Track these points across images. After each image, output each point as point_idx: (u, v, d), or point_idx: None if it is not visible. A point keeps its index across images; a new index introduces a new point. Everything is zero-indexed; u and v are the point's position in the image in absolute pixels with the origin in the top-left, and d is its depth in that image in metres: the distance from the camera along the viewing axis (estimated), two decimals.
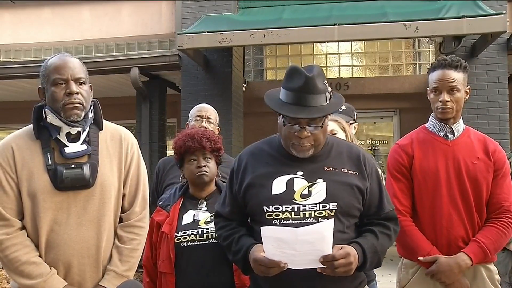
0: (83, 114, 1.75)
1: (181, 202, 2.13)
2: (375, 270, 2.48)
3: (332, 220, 1.51)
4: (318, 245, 1.48)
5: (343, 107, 3.13)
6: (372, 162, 1.77)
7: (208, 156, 2.11)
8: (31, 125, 1.78)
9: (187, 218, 2.07)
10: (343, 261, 1.49)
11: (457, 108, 2.04)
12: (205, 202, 2.10)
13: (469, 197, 2.00)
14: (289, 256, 1.49)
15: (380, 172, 2.58)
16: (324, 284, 1.59)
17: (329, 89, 1.66)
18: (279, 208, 1.61)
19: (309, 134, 1.60)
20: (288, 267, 1.51)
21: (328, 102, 1.62)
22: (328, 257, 1.48)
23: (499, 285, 2.05)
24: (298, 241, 1.46)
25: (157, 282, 2.09)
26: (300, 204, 1.60)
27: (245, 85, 7.12)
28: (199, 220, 2.04)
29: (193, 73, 6.22)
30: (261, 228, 1.51)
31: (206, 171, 2.08)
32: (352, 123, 3.13)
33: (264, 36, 5.21)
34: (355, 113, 3.19)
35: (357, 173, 1.68)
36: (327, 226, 1.48)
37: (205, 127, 2.75)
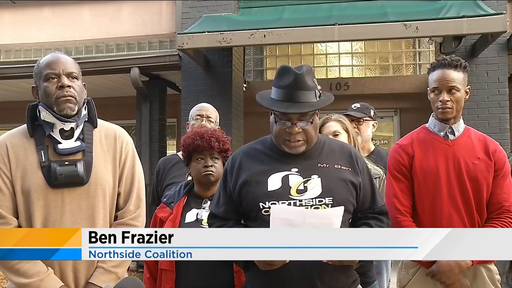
0: (76, 108, 1.75)
1: (185, 200, 2.14)
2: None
3: (342, 207, 1.55)
4: None
5: (358, 105, 3.15)
6: (362, 159, 1.82)
7: (216, 156, 2.12)
8: (26, 124, 1.78)
9: (190, 216, 2.07)
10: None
11: (457, 107, 2.04)
12: (209, 202, 2.10)
13: (470, 197, 2.00)
14: None
15: (381, 172, 2.60)
16: (322, 280, 1.61)
17: (319, 87, 1.70)
18: (275, 204, 1.62)
19: (300, 130, 1.65)
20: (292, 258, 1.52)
21: (317, 99, 1.67)
22: None
23: (499, 285, 2.05)
24: (306, 225, 1.47)
25: (157, 278, 2.09)
26: (296, 200, 1.62)
27: (245, 85, 7.12)
28: (202, 219, 2.04)
29: (193, 73, 6.22)
30: (271, 207, 1.55)
31: (213, 171, 2.09)
32: (368, 120, 3.11)
33: (264, 36, 5.21)
34: (372, 111, 3.17)
35: (350, 169, 1.73)
36: (337, 213, 1.51)
37: (205, 126, 2.76)
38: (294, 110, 1.62)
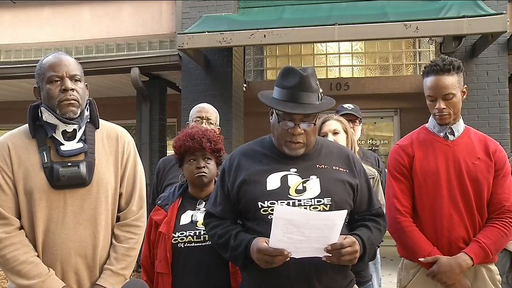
0: (79, 111, 1.75)
1: (179, 201, 2.12)
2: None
3: (346, 211, 1.56)
4: (326, 233, 1.50)
5: (351, 106, 3.20)
6: (359, 162, 1.85)
7: (208, 157, 2.10)
8: (27, 124, 1.77)
9: (185, 218, 2.06)
10: (350, 249, 1.54)
11: (454, 111, 2.03)
12: (204, 203, 2.08)
13: (470, 198, 2.00)
14: (295, 242, 1.50)
15: (375, 172, 2.63)
16: (320, 280, 1.62)
17: (321, 90, 1.72)
18: (274, 203, 1.63)
19: (302, 131, 1.66)
20: (292, 256, 1.52)
21: (320, 102, 1.69)
22: (336, 245, 1.52)
23: (500, 286, 2.05)
24: (308, 226, 1.48)
25: (153, 282, 2.08)
26: (295, 199, 1.64)
27: (245, 85, 7.12)
28: (197, 221, 2.03)
29: (194, 73, 6.22)
30: (275, 207, 1.55)
31: (205, 172, 2.08)
32: (360, 121, 3.20)
33: (264, 36, 5.21)
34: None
35: (347, 171, 1.75)
36: (340, 216, 1.51)
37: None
38: (299, 111, 1.64)
